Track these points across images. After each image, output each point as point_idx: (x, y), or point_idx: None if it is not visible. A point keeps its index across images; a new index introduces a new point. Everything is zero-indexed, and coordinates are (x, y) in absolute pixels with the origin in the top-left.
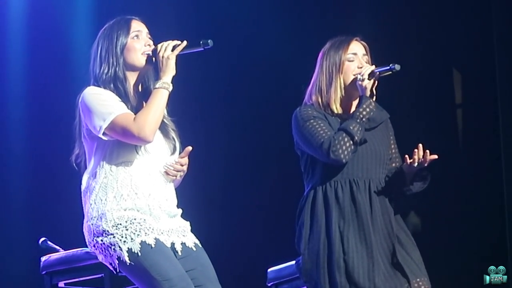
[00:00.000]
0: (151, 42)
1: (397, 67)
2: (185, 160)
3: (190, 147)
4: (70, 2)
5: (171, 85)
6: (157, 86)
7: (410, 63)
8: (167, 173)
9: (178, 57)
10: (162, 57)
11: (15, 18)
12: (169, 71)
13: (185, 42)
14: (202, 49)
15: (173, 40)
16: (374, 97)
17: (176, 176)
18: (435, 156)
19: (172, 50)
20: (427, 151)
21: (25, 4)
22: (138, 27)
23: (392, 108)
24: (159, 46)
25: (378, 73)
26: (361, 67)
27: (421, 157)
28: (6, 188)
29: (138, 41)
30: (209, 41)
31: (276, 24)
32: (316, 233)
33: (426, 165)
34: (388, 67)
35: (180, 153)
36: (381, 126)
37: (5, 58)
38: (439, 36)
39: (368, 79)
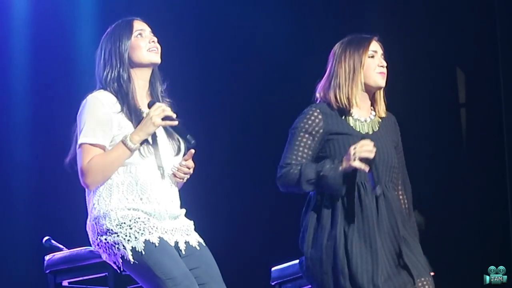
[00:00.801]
0: (155, 39)
1: (378, 191)
2: (192, 163)
3: (193, 150)
4: (73, 3)
5: (138, 146)
6: (127, 140)
7: (414, 62)
8: (174, 175)
9: (181, 57)
10: (151, 117)
11: (18, 19)
12: (146, 133)
13: (176, 122)
14: (184, 140)
15: (171, 108)
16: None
17: (183, 179)
18: None
19: (163, 119)
20: None
21: (28, 5)
22: (140, 26)
23: (396, 107)
24: (157, 104)
25: (367, 170)
26: (381, 65)
27: None
28: (9, 187)
29: (142, 39)
30: (193, 141)
31: (278, 23)
32: (320, 237)
33: None
34: (373, 185)
35: (184, 153)
36: (391, 127)
37: (9, 59)
38: (442, 35)
39: (358, 161)
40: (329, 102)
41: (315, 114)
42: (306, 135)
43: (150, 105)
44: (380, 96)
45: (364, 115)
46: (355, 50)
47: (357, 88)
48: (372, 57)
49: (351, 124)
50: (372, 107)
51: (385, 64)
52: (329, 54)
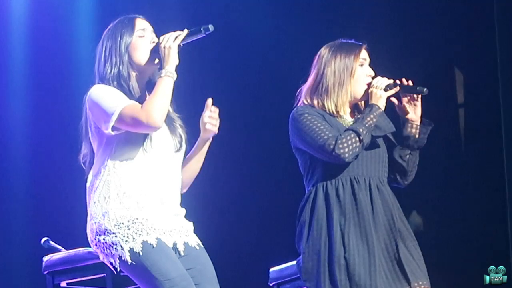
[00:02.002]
0: (156, 40)
1: (425, 91)
2: (215, 112)
3: (210, 99)
4: (72, 2)
5: (175, 73)
6: (161, 75)
7: (411, 62)
8: (206, 129)
9: (181, 55)
10: (164, 47)
11: (17, 19)
12: (172, 60)
13: (186, 31)
14: (204, 35)
15: (174, 31)
16: (384, 107)
17: (216, 130)
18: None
19: (174, 41)
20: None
21: (27, 4)
22: (142, 25)
23: (394, 108)
24: (161, 38)
25: (398, 88)
26: (370, 76)
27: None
28: (8, 188)
29: (143, 39)
30: (209, 26)
31: (279, 24)
32: (317, 231)
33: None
34: (416, 89)
35: (186, 150)
36: None
37: (8, 58)
38: (440, 35)
39: (385, 90)
40: (314, 107)
41: (310, 109)
42: (317, 118)
43: (157, 45)
44: (363, 105)
45: (351, 116)
46: (346, 56)
47: (346, 97)
48: (362, 65)
49: (341, 122)
50: (356, 110)
51: (373, 73)
52: (315, 57)
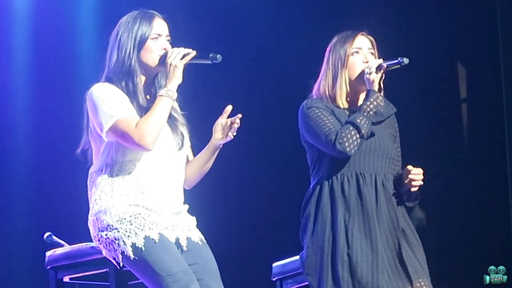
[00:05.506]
0: (168, 46)
1: (406, 60)
2: (236, 118)
3: (230, 106)
4: (74, 2)
5: (175, 93)
6: (161, 93)
7: (414, 57)
8: (227, 135)
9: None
10: (170, 64)
11: (19, 16)
12: (175, 79)
13: (194, 52)
14: (210, 62)
15: (184, 47)
16: (382, 91)
17: (234, 135)
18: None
19: (181, 59)
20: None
21: (29, 5)
22: (158, 28)
23: (396, 103)
24: (169, 51)
25: (385, 66)
26: (366, 62)
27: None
28: (11, 183)
29: (156, 43)
30: (218, 56)
31: (284, 21)
32: (321, 226)
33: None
34: (396, 61)
35: (192, 145)
36: (390, 121)
37: (9, 58)
38: (443, 30)
39: (376, 72)
40: (323, 100)
41: (317, 103)
42: (323, 112)
43: (163, 57)
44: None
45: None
46: (340, 48)
47: (341, 89)
48: (357, 53)
49: (348, 114)
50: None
51: (371, 59)
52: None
